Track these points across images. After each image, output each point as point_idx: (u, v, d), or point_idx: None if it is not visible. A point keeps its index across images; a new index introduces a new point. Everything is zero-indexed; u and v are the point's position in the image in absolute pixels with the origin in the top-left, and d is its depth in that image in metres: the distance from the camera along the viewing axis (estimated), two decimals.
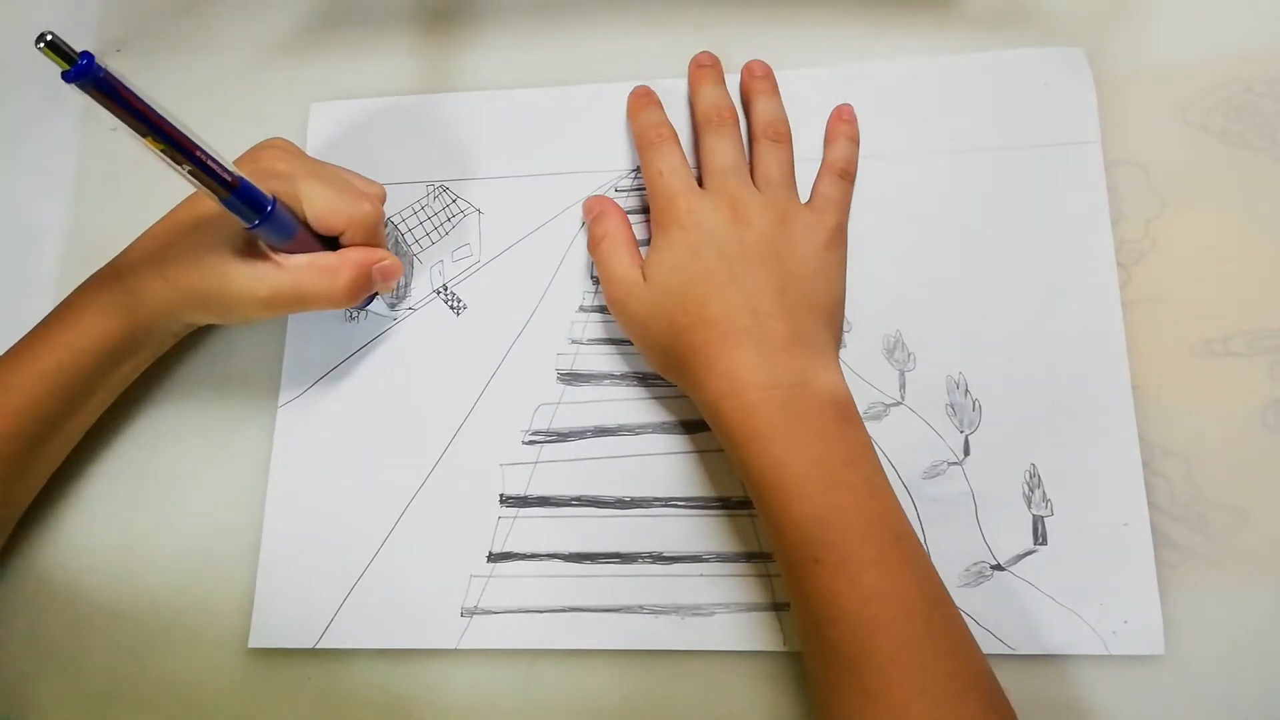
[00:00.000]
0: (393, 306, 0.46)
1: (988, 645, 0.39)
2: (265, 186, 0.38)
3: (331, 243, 0.43)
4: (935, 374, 0.43)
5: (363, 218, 0.42)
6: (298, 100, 0.50)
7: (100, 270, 0.43)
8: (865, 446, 0.38)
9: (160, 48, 0.53)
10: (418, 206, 0.48)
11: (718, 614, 0.41)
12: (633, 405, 0.44)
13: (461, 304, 0.46)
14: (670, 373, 0.42)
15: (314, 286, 0.41)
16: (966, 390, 0.42)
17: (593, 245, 0.45)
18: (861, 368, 0.43)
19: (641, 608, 0.41)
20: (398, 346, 0.46)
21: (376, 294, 0.44)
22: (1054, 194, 0.44)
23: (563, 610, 0.42)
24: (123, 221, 0.44)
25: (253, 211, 0.38)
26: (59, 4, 0.55)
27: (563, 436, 0.44)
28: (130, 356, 0.43)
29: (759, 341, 0.38)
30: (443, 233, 0.48)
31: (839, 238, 0.43)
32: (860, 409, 0.40)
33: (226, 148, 0.50)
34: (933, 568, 0.36)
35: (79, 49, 0.30)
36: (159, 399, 0.47)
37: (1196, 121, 0.45)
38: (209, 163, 0.35)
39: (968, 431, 0.42)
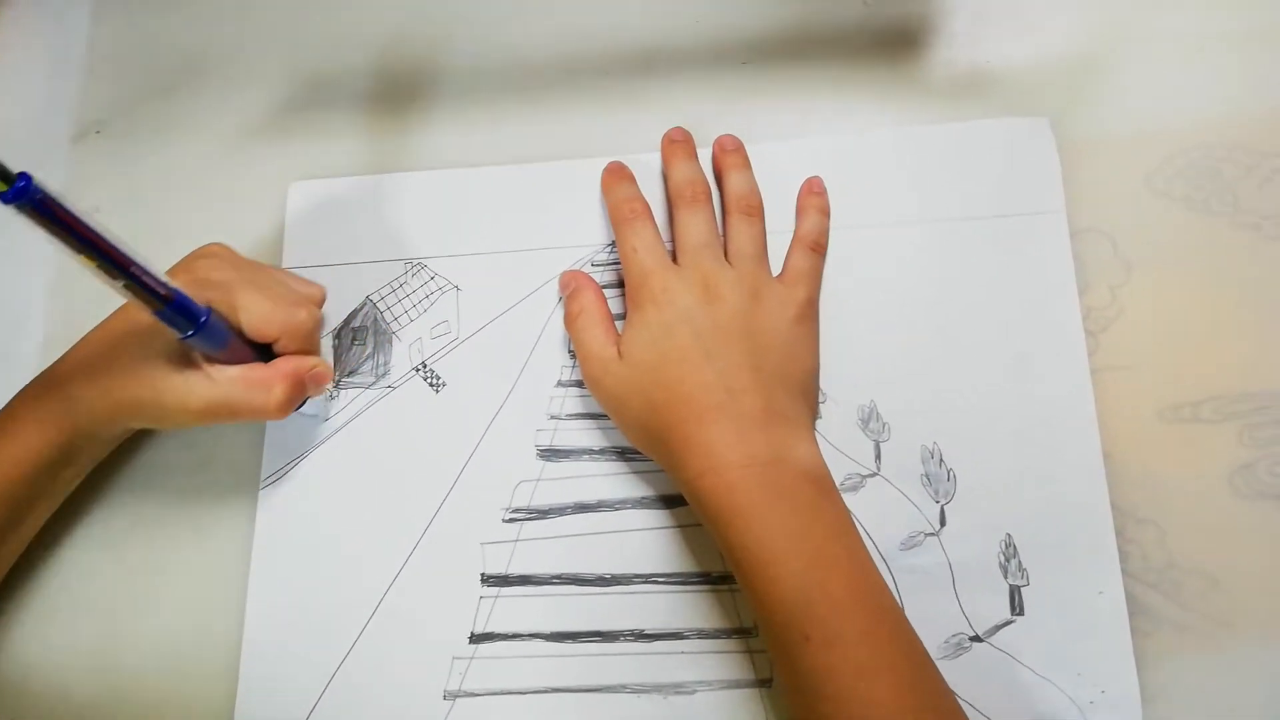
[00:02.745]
0: (320, 414, 0.47)
1: (969, 716, 0.39)
2: (200, 296, 0.39)
3: (266, 348, 0.43)
4: (910, 444, 0.43)
5: (297, 326, 0.42)
6: (277, 179, 0.51)
7: (35, 381, 0.43)
8: (844, 519, 0.38)
9: (139, 130, 0.53)
10: (396, 284, 0.48)
11: (700, 692, 0.41)
12: (612, 480, 0.44)
13: (441, 381, 0.47)
14: (649, 448, 0.42)
15: (247, 400, 0.41)
16: (941, 460, 0.43)
17: (568, 321, 0.45)
18: (838, 439, 0.44)
19: (624, 687, 0.41)
20: (377, 425, 0.46)
21: (308, 398, 0.45)
22: (1021, 263, 0.45)
23: (545, 691, 0.42)
24: (104, 305, 0.45)
25: (187, 322, 0.38)
26: (37, 87, 0.55)
27: (543, 513, 0.44)
28: (70, 464, 0.43)
29: (734, 418, 0.39)
30: (421, 310, 0.48)
31: (810, 311, 0.43)
32: (837, 480, 0.40)
33: (206, 227, 0.51)
34: (916, 635, 0.37)
35: (17, 170, 0.30)
36: (140, 482, 0.47)
37: (1160, 188, 0.46)
38: (143, 278, 0.35)
39: (943, 502, 0.42)
